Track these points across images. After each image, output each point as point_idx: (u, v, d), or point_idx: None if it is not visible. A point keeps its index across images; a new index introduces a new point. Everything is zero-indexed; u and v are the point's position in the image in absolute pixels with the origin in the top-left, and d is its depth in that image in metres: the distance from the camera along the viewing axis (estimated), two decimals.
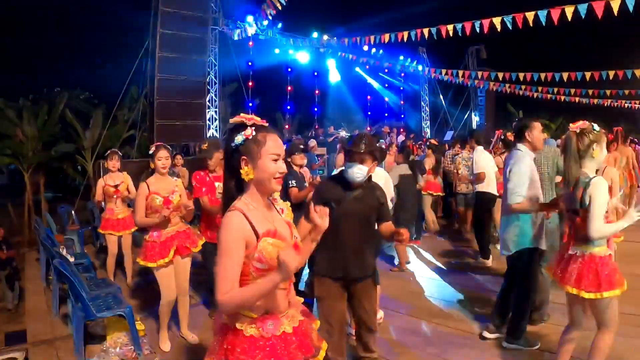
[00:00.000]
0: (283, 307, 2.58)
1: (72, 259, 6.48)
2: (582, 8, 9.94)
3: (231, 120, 2.55)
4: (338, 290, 4.20)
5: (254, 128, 2.47)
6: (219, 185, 5.96)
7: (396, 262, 8.48)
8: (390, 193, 6.01)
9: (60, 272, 5.49)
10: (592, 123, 4.04)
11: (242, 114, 2.54)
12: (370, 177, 4.22)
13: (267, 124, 2.55)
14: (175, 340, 5.65)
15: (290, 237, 2.59)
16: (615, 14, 9.51)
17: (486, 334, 5.47)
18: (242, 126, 2.48)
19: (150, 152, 5.42)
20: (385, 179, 5.95)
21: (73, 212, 10.22)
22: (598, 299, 3.84)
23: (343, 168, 4.20)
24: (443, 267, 8.53)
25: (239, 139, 2.44)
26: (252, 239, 2.39)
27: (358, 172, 4.03)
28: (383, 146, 9.48)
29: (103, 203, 7.80)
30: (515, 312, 5.23)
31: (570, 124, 4.09)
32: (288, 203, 2.82)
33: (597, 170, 4.12)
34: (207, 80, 15.87)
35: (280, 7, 15.86)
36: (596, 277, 3.82)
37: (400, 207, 8.05)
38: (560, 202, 4.43)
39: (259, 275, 2.40)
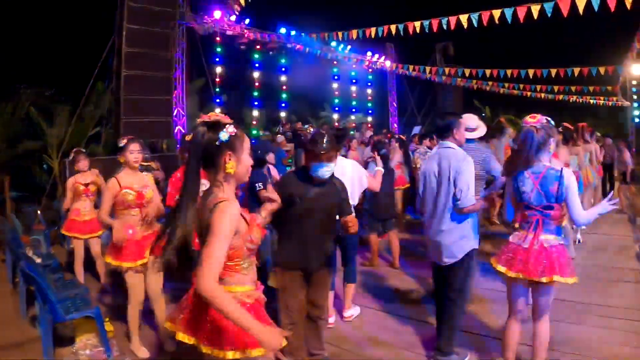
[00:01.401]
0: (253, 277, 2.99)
1: (38, 260, 6.38)
2: (549, 6, 10.05)
3: (205, 119, 2.76)
4: (299, 281, 4.31)
5: (233, 125, 2.75)
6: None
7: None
8: (362, 184, 5.96)
9: (27, 273, 5.40)
10: (547, 117, 4.20)
11: (211, 113, 2.84)
12: (332, 173, 4.26)
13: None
14: (151, 344, 5.56)
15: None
16: (581, 13, 9.63)
17: None
18: (218, 124, 2.72)
19: (121, 145, 5.19)
20: (352, 167, 5.86)
21: (39, 211, 10.06)
22: (569, 283, 4.08)
23: (308, 166, 4.20)
24: (412, 261, 8.57)
25: (224, 135, 2.69)
26: (243, 226, 2.77)
27: (327, 171, 4.11)
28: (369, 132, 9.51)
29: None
30: (454, 325, 4.96)
31: (528, 118, 4.20)
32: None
33: None
34: (174, 76, 15.70)
35: (244, 4, 15.79)
36: (568, 263, 4.11)
37: (376, 202, 8.06)
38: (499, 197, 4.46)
39: (249, 255, 2.87)
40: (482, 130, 6.32)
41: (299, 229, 4.18)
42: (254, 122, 22.57)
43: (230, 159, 2.72)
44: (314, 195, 4.15)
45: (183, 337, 2.83)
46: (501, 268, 4.27)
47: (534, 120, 4.14)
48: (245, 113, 24.15)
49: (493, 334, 5.49)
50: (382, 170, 6.78)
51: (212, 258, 2.53)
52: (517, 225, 4.43)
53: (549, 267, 4.03)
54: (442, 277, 5.05)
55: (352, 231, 4.20)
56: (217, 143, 2.69)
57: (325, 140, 4.10)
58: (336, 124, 25.05)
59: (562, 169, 4.12)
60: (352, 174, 5.73)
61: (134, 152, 5.17)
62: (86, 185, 7.35)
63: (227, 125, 2.73)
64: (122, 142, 5.20)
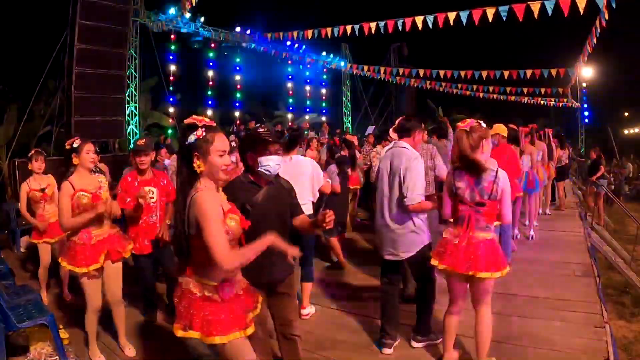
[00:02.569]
0: (234, 273, 3.19)
1: None
2: (503, 10, 10.22)
3: (185, 121, 3.04)
4: (262, 294, 3.91)
5: (204, 129, 2.98)
6: (148, 189, 5.53)
7: (334, 258, 8.47)
8: (319, 181, 6.05)
9: None
10: (479, 121, 4.42)
11: (194, 116, 3.07)
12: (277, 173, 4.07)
13: (214, 125, 3.06)
14: (110, 352, 5.34)
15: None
16: (536, 17, 9.81)
17: (386, 350, 5.19)
18: (194, 126, 2.98)
19: (75, 145, 4.89)
20: (312, 166, 5.97)
21: None
22: (498, 277, 4.27)
23: (254, 164, 3.92)
24: (367, 260, 8.58)
25: (191, 138, 2.95)
26: (222, 213, 2.99)
27: (277, 164, 3.90)
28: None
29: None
30: (425, 309, 5.22)
31: (459, 123, 4.44)
32: (223, 194, 3.28)
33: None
34: (127, 74, 15.44)
35: (194, 3, 15.64)
36: (497, 258, 4.27)
37: (332, 203, 8.14)
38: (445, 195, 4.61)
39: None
40: None
41: (254, 238, 3.46)
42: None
43: (198, 160, 2.96)
44: (265, 199, 3.89)
45: (177, 331, 3.07)
46: (434, 261, 4.51)
47: (464, 124, 4.38)
48: (199, 112, 23.88)
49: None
50: (329, 182, 6.93)
51: (216, 238, 2.82)
52: (451, 220, 4.59)
53: (474, 262, 4.21)
54: (395, 270, 5.29)
55: (329, 226, 3.93)
56: (186, 144, 2.97)
57: (271, 132, 3.98)
58: (290, 123, 25.04)
59: (497, 169, 4.33)
60: (311, 171, 5.87)
61: (90, 153, 4.94)
62: (42, 190, 6.95)
63: (198, 128, 2.97)
64: (76, 143, 4.94)
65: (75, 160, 4.92)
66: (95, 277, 4.94)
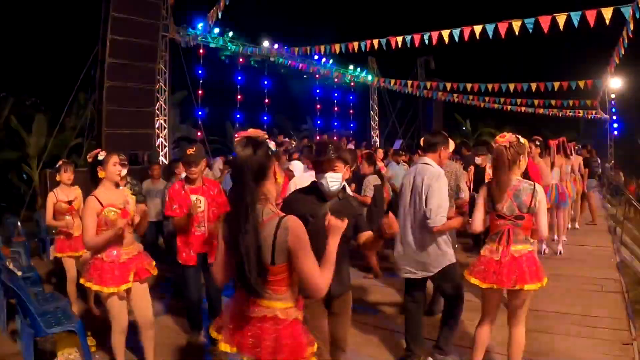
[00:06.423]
0: None
1: (19, 273, 6.22)
2: (529, 22, 10.19)
3: (248, 133, 2.76)
4: (320, 309, 3.89)
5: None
6: (196, 198, 5.40)
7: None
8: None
9: (8, 286, 5.29)
10: (517, 135, 4.41)
11: (251, 129, 2.80)
12: (344, 187, 3.98)
13: None
14: None
15: None
16: (561, 29, 9.77)
17: None
18: (257, 139, 2.71)
19: (100, 158, 4.68)
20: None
21: (19, 223, 9.90)
22: (538, 288, 4.26)
23: (315, 179, 3.87)
24: (389, 273, 8.55)
25: (273, 146, 2.72)
26: None
27: (332, 180, 3.73)
28: (351, 146, 9.66)
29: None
30: (450, 327, 5.13)
31: (498, 138, 4.44)
32: None
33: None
34: (157, 88, 15.65)
35: (218, 17, 15.81)
36: (538, 269, 4.28)
37: (374, 215, 8.16)
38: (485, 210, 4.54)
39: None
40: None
41: (314, 253, 3.28)
42: (236, 136, 22.48)
43: (276, 170, 2.66)
44: (327, 213, 3.49)
45: (225, 346, 2.84)
46: (475, 280, 4.42)
47: (504, 139, 4.37)
48: (227, 126, 24.00)
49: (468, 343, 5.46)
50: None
51: (317, 272, 2.76)
52: (488, 235, 4.53)
53: (520, 276, 4.19)
54: (418, 288, 5.20)
55: (394, 231, 3.77)
56: (269, 154, 2.71)
57: (329, 147, 3.79)
58: (317, 136, 25.10)
59: (534, 183, 4.34)
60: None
61: (116, 165, 4.74)
62: (69, 202, 6.76)
63: (267, 139, 2.75)
64: (101, 155, 4.73)
65: (101, 174, 4.72)
66: (122, 297, 4.74)
